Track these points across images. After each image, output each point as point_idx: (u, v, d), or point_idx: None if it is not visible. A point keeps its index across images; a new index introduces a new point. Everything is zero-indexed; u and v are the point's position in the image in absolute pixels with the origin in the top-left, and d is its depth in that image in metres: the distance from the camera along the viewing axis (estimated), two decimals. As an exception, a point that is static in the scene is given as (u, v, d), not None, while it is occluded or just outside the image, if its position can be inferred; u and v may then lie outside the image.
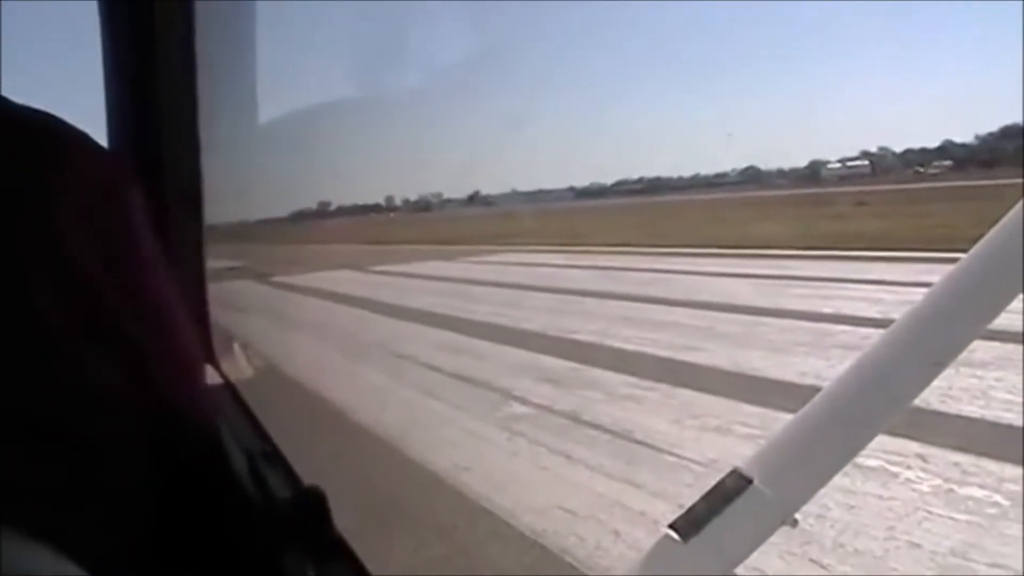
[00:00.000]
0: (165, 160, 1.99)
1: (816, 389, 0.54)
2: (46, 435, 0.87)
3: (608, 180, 27.14)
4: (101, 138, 1.91)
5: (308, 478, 1.39)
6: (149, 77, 1.93)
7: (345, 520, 1.19)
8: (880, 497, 4.28)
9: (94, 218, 0.93)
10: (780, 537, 0.53)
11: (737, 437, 5.26)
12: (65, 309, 0.88)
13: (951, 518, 4.06)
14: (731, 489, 0.53)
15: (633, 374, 7.02)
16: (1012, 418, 5.02)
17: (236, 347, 2.38)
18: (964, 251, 0.52)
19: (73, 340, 0.89)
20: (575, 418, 6.01)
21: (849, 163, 18.75)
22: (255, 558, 1.15)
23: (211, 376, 1.88)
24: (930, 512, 4.14)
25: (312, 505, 1.14)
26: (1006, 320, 0.55)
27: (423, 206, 28.15)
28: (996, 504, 4.11)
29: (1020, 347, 5.44)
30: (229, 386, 1.85)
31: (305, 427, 5.44)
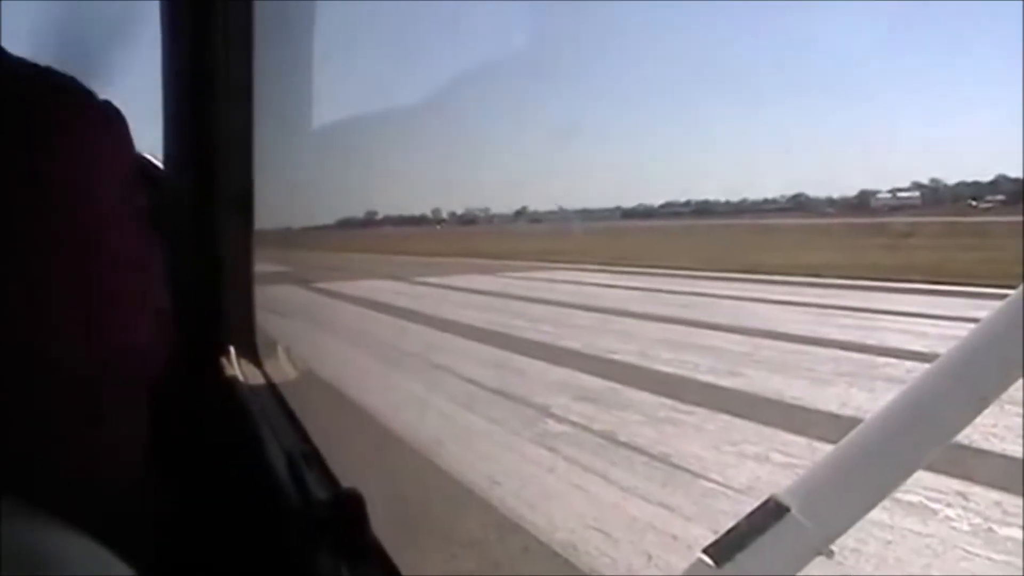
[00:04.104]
0: (218, 162, 2.01)
1: (857, 421, 0.53)
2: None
3: (656, 201, 27.06)
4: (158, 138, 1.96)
5: (342, 483, 1.40)
6: (207, 77, 1.96)
7: (375, 527, 1.19)
8: (919, 533, 4.21)
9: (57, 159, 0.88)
10: (815, 568, 0.52)
11: (775, 465, 5.21)
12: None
13: (989, 558, 3.98)
14: (768, 517, 0.52)
15: (672, 397, 6.97)
16: (1058, 460, 4.92)
17: (280, 350, 2.40)
18: (1013, 286, 0.52)
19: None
20: (612, 438, 5.98)
21: (900, 194, 18.52)
22: (290, 557, 1.16)
23: (254, 376, 1.90)
24: (968, 551, 4.06)
25: (350, 508, 1.14)
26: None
27: (469, 220, 28.24)
28: (1037, 546, 4.03)
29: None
30: (271, 387, 1.87)
31: (341, 432, 5.47)
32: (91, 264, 0.87)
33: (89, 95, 0.93)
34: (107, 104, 0.96)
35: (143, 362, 0.95)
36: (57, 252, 0.84)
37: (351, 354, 10.20)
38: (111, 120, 0.97)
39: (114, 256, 0.91)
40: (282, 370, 2.25)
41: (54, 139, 0.86)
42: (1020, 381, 0.50)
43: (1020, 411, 5.02)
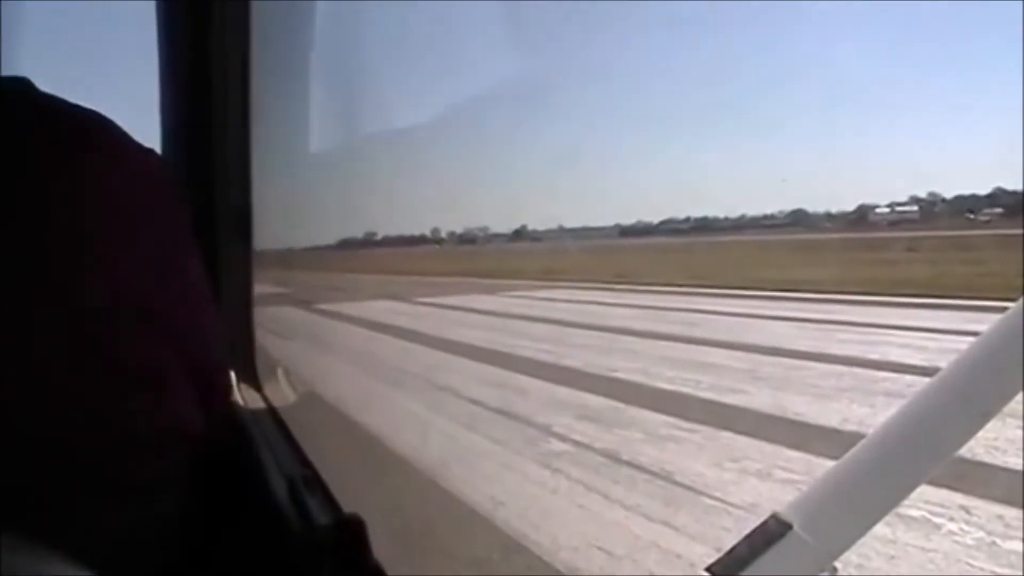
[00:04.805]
0: (216, 181, 2.01)
1: (859, 436, 0.53)
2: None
3: (655, 219, 27.07)
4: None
5: (344, 505, 1.39)
6: (205, 99, 1.96)
7: (379, 550, 1.19)
8: (922, 548, 4.20)
9: (128, 215, 0.90)
10: (819, 585, 0.52)
11: (777, 482, 5.19)
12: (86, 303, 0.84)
13: (993, 572, 3.97)
14: (770, 534, 0.52)
15: (674, 415, 6.96)
16: (1061, 473, 4.91)
17: (280, 372, 2.39)
18: (1012, 299, 0.52)
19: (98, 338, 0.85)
20: (614, 457, 5.96)
21: (898, 208, 18.55)
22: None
23: (254, 400, 1.90)
24: (972, 565, 4.05)
25: (352, 533, 1.14)
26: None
27: (468, 239, 28.25)
28: (1041, 559, 4.02)
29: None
30: (271, 410, 1.86)
31: (343, 453, 5.46)
32: (135, 317, 0.88)
33: (131, 143, 0.94)
34: (150, 152, 0.97)
35: (189, 424, 0.95)
36: (96, 302, 0.85)
37: (352, 375, 10.19)
38: (152, 168, 0.98)
39: (158, 310, 0.91)
40: (282, 392, 2.24)
41: (93, 188, 0.87)
42: (1021, 394, 0.50)
43: (1021, 424, 5.01)
